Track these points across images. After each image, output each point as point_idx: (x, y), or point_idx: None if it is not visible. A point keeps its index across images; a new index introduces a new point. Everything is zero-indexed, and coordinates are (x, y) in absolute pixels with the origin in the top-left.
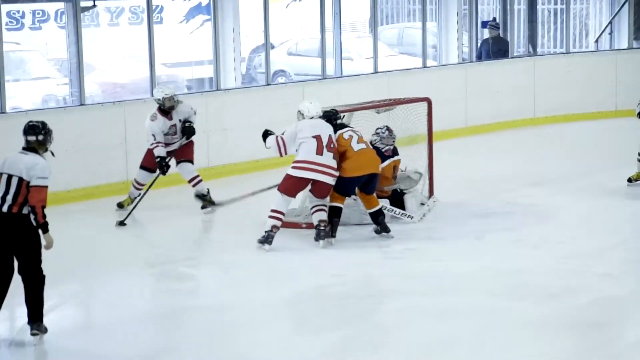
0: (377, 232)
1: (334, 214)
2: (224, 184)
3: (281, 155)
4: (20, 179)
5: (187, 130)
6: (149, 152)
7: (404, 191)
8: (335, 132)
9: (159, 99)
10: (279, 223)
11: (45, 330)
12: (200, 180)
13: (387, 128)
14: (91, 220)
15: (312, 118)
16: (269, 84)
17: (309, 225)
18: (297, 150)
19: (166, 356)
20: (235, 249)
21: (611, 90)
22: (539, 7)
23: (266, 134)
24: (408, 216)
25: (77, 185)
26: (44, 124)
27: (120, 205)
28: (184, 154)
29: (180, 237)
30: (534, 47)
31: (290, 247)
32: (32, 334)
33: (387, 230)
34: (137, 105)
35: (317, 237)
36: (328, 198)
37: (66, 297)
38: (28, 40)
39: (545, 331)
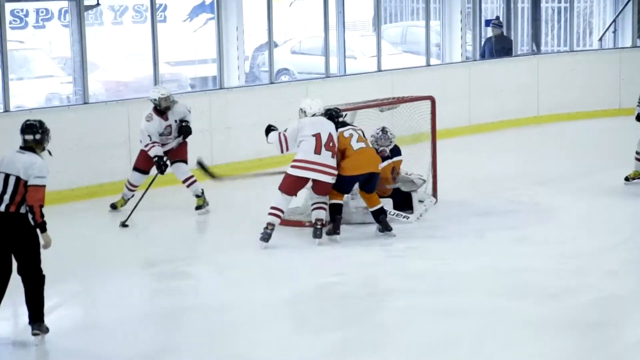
0: (380, 230)
1: (336, 211)
2: (227, 183)
3: (282, 151)
4: (18, 178)
5: (184, 129)
6: (142, 153)
7: (409, 191)
8: (336, 130)
9: (154, 99)
10: (276, 220)
11: (46, 330)
12: (195, 181)
13: (382, 129)
14: (93, 219)
15: (313, 115)
16: (272, 83)
17: (312, 224)
18: (298, 147)
19: (166, 356)
20: (236, 249)
21: (615, 88)
22: (543, 5)
23: (269, 130)
24: (404, 217)
25: (80, 184)
26: (41, 122)
27: (114, 207)
28: (178, 154)
29: (180, 237)
30: (538, 45)
31: (291, 246)
32: (33, 334)
33: (388, 228)
34: (140, 103)
35: (314, 235)
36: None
37: (66, 297)
38: (32, 39)
39: (546, 331)
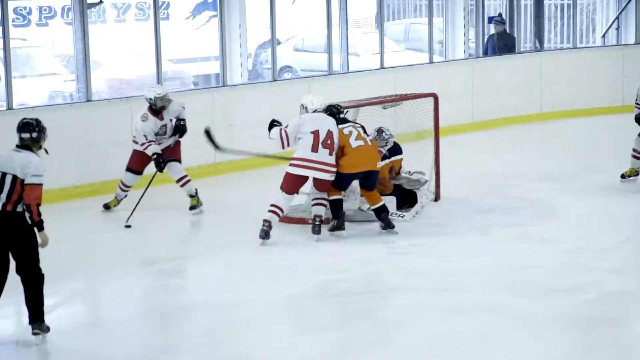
0: (382, 228)
1: (338, 207)
2: (230, 180)
3: (283, 147)
4: (15, 177)
5: (181, 128)
6: (135, 153)
7: (412, 189)
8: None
9: (150, 99)
10: (274, 218)
11: (47, 330)
12: (189, 180)
13: (378, 130)
14: (96, 217)
15: (314, 111)
16: (275, 80)
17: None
18: (296, 144)
19: (166, 355)
20: (236, 247)
21: (618, 85)
22: (546, 2)
23: (272, 125)
24: (399, 215)
25: (83, 181)
26: (38, 121)
27: (107, 207)
28: (172, 154)
29: (180, 236)
30: (541, 42)
31: (293, 243)
32: (34, 334)
33: (391, 226)
34: (143, 101)
35: (313, 231)
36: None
37: (66, 296)
38: (35, 37)
39: (547, 329)
